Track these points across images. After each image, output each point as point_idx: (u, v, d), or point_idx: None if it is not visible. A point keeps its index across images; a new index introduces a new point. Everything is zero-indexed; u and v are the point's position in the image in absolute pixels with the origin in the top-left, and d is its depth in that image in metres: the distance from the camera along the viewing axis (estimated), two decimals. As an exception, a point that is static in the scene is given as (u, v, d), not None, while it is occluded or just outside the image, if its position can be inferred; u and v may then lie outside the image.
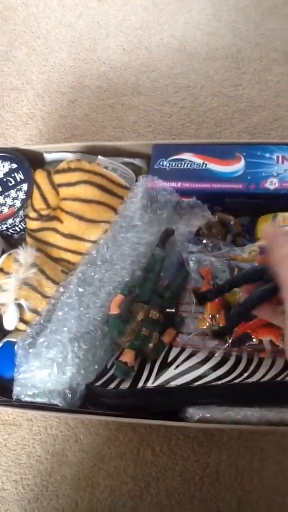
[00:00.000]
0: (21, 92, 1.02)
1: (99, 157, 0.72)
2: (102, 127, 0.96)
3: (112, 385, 0.59)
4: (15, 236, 0.75)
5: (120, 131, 0.95)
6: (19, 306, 0.64)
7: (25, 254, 0.65)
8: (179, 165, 0.69)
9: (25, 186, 0.72)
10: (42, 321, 0.63)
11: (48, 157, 0.76)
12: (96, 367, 0.61)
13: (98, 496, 0.72)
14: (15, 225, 0.72)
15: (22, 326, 0.65)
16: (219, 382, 0.57)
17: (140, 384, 0.58)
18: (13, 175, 0.72)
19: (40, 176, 0.70)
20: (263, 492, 0.69)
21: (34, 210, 0.70)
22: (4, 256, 0.67)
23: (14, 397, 0.60)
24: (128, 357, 0.59)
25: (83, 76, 1.02)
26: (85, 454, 0.74)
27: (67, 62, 1.04)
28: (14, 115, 1.00)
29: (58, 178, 0.68)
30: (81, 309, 0.62)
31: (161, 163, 0.70)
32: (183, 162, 0.69)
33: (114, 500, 0.71)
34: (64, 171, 0.67)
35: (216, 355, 0.59)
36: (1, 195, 0.72)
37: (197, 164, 0.69)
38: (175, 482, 0.71)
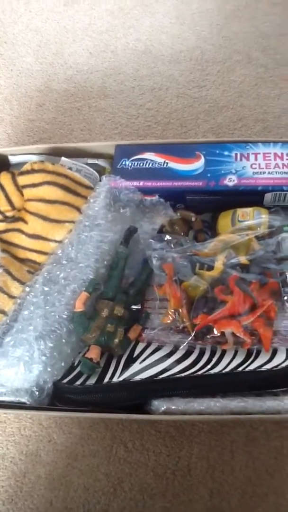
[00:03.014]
0: (-11, 97, 1.03)
1: (63, 158, 0.73)
2: (70, 130, 0.97)
3: (78, 382, 0.60)
4: (-18, 238, 0.75)
5: (88, 133, 0.96)
6: (-14, 307, 0.65)
7: (-9, 256, 0.66)
8: (141, 164, 0.71)
9: (-10, 189, 0.72)
10: (8, 321, 0.64)
11: (13, 159, 0.77)
12: (62, 364, 0.62)
13: (72, 494, 0.72)
14: (-19, 228, 0.72)
15: (-11, 327, 0.65)
16: (183, 374, 0.58)
17: (106, 380, 0.59)
18: (-22, 178, 0.73)
19: (4, 178, 0.71)
20: (234, 483, 0.70)
21: (-1, 212, 0.71)
22: None
23: (-19, 397, 0.61)
24: (93, 353, 0.60)
25: (51, 80, 1.03)
26: (58, 453, 0.74)
27: (34, 67, 1.04)
28: (-18, 120, 1.01)
29: (22, 180, 0.69)
30: (47, 307, 0.62)
31: (123, 163, 0.71)
32: (145, 162, 0.71)
33: (88, 497, 0.72)
34: (27, 172, 0.68)
35: (180, 348, 0.61)
36: None
37: (158, 163, 0.70)
38: (148, 477, 0.72)
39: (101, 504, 0.71)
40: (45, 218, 0.67)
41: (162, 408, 0.57)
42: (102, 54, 1.03)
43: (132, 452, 0.73)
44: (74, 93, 1.00)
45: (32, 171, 0.68)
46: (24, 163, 0.71)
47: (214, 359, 0.59)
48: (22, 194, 0.69)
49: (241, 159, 0.68)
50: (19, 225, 0.70)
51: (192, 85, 0.98)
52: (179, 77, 0.99)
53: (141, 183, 0.69)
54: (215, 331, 0.59)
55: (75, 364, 0.63)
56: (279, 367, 0.58)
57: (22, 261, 0.69)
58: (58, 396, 0.61)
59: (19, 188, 0.69)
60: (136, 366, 0.60)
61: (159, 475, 0.72)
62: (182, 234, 0.68)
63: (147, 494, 0.71)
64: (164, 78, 0.99)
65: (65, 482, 0.73)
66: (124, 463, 0.73)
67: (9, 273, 0.66)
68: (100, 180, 0.72)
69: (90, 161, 0.75)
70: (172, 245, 0.66)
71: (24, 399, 0.59)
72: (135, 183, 0.69)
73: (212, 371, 0.58)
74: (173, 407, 0.57)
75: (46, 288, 0.63)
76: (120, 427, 0.74)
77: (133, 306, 0.65)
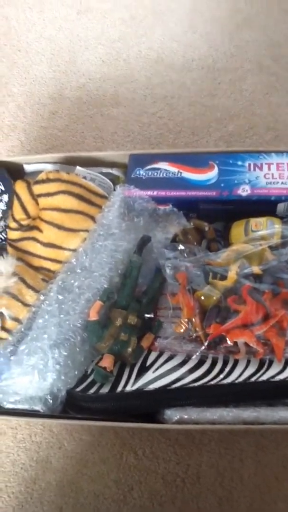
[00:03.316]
0: (3, 105, 1.04)
1: (77, 167, 0.74)
2: (82, 138, 0.98)
3: (92, 390, 0.60)
4: (-4, 245, 0.76)
5: (100, 141, 0.97)
6: (1, 315, 0.65)
7: (6, 264, 0.66)
8: (155, 174, 0.71)
9: (5, 197, 0.73)
10: (23, 329, 0.64)
11: (28, 168, 0.78)
12: (76, 372, 0.62)
13: (82, 501, 0.73)
14: (-4, 235, 0.73)
15: (3, 335, 0.66)
16: (196, 384, 0.59)
17: (119, 388, 0.60)
18: (-7, 186, 0.74)
19: (20, 187, 0.71)
20: (243, 491, 0.71)
21: (15, 220, 0.71)
22: (-15, 266, 0.68)
23: (-4, 404, 0.61)
24: (107, 362, 0.60)
25: (63, 87, 1.04)
26: (69, 460, 0.75)
27: (48, 74, 1.05)
28: (-5, 127, 1.02)
29: (37, 189, 0.69)
30: (61, 316, 0.63)
31: (137, 172, 0.72)
32: (159, 171, 0.71)
33: (97, 504, 0.72)
34: (43, 181, 0.69)
35: (193, 358, 0.61)
36: (-18, 206, 0.73)
37: (172, 173, 0.71)
38: (157, 484, 0.72)
39: (111, 511, 0.72)
40: (59, 227, 0.68)
41: (175, 418, 0.57)
42: (114, 62, 1.04)
43: (142, 460, 0.74)
44: (87, 101, 1.01)
45: (48, 180, 0.68)
46: (38, 172, 0.72)
47: (227, 369, 0.59)
48: (37, 203, 0.70)
49: (254, 169, 0.69)
50: (34, 233, 0.70)
51: (203, 94, 0.98)
52: (191, 85, 1.00)
53: (155, 193, 0.70)
54: (228, 341, 0.59)
55: (88, 372, 0.63)
56: (292, 377, 0.58)
57: (37, 269, 0.70)
58: (72, 404, 0.61)
59: (34, 197, 0.70)
60: (149, 375, 0.60)
61: (168, 483, 0.72)
62: (195, 243, 0.68)
63: (156, 502, 0.72)
64: (176, 87, 1.00)
65: (75, 488, 0.73)
66: (134, 470, 0.73)
67: (23, 281, 0.66)
68: (114, 189, 0.73)
69: (104, 170, 0.76)
70: (185, 255, 0.66)
71: (38, 407, 0.60)
72: (149, 193, 0.70)
73: (225, 381, 0.58)
74: (185, 417, 0.57)
75: (60, 297, 0.64)
76: (130, 434, 0.75)
77: (146, 315, 0.66)
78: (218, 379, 0.59)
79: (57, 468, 0.75)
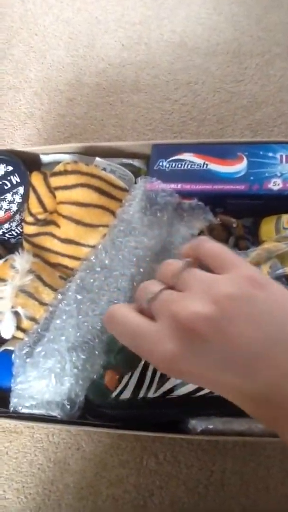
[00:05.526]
0: (19, 91, 1.00)
1: (97, 158, 0.70)
2: (102, 126, 0.94)
3: (112, 396, 0.57)
4: (12, 240, 0.73)
5: (120, 129, 0.93)
6: (16, 314, 0.63)
7: (22, 260, 0.63)
8: (179, 165, 0.67)
9: (21, 189, 0.69)
10: (39, 330, 0.61)
11: (45, 158, 0.74)
12: (95, 377, 0.59)
13: (101, 505, 0.70)
14: (11, 230, 0.70)
15: (19, 334, 0.63)
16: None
17: (141, 395, 0.56)
18: (9, 178, 0.70)
19: (36, 179, 0.68)
20: (269, 501, 0.67)
21: (31, 214, 0.68)
22: (0, 262, 0.65)
23: (11, 409, 0.59)
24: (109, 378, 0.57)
25: (82, 73, 0.99)
26: (87, 462, 0.73)
27: (65, 60, 1.01)
28: (12, 114, 0.98)
29: (54, 181, 0.66)
30: (80, 317, 0.60)
31: (160, 164, 0.67)
32: (183, 163, 0.67)
33: (117, 509, 0.70)
34: (60, 173, 0.65)
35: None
36: (-3, 199, 0.70)
37: (197, 165, 0.66)
38: (179, 491, 0.70)
39: (130, 516, 0.69)
40: (78, 222, 0.64)
41: (200, 428, 0.54)
42: (135, 47, 0.99)
43: (163, 464, 0.71)
44: (106, 87, 0.97)
45: (65, 172, 0.65)
46: (56, 163, 0.68)
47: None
48: (54, 196, 0.66)
49: (287, 161, 0.64)
50: (51, 228, 0.67)
51: (229, 79, 0.93)
52: (215, 70, 0.94)
53: (179, 186, 0.66)
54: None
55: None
56: None
57: (54, 266, 0.66)
58: (90, 409, 0.58)
59: (52, 190, 0.66)
60: (172, 381, 0.57)
61: (190, 489, 0.69)
62: (222, 240, 0.64)
63: (178, 508, 0.69)
64: (200, 72, 0.95)
65: (94, 492, 0.71)
66: (155, 475, 0.71)
67: (40, 279, 0.63)
68: (135, 182, 0.69)
69: (125, 161, 0.72)
70: (211, 252, 0.62)
71: (55, 413, 0.57)
72: (173, 186, 0.65)
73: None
74: (211, 427, 0.54)
75: (79, 296, 0.61)
76: (151, 438, 0.72)
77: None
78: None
79: (75, 470, 0.72)
